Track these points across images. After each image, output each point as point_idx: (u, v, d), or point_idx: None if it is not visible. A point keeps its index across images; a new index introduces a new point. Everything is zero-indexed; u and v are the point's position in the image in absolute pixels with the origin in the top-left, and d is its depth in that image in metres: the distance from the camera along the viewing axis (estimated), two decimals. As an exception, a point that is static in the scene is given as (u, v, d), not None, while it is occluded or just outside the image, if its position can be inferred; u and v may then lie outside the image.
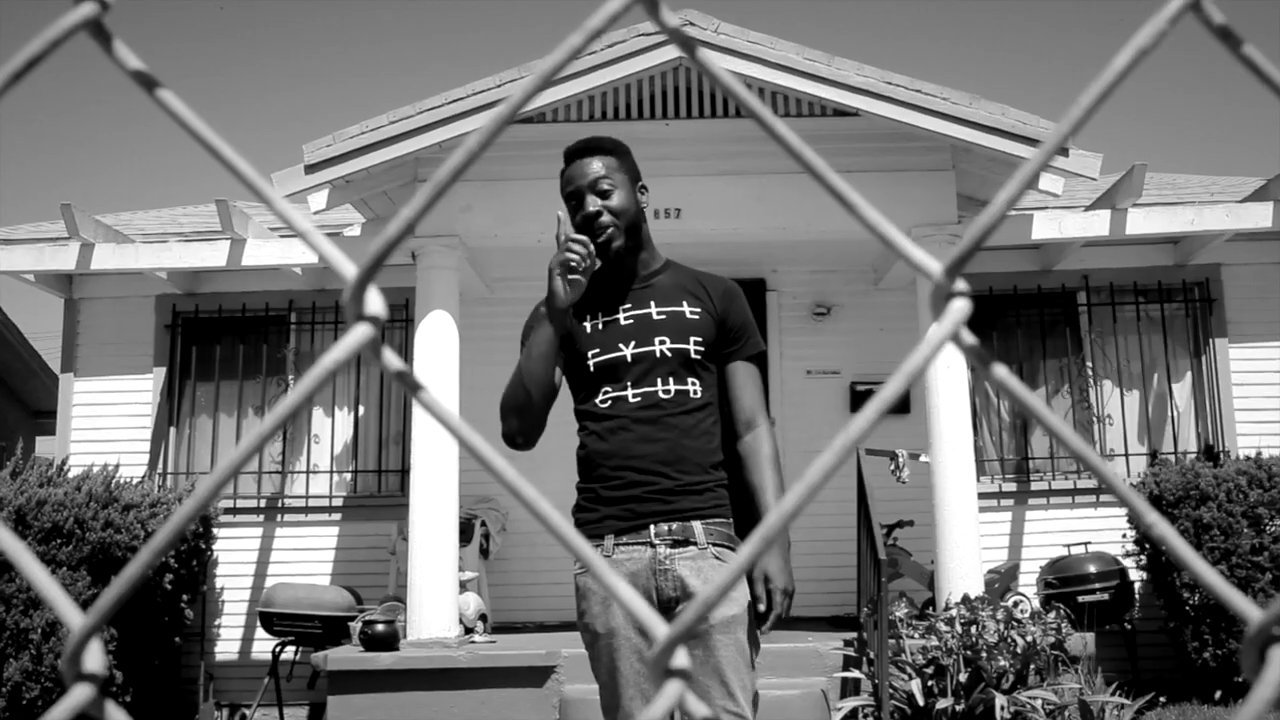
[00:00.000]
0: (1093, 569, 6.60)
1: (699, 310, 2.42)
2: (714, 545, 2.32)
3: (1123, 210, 6.77)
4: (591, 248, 2.23)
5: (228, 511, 7.50)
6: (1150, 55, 0.43)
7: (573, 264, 2.21)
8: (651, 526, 2.30)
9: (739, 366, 2.45)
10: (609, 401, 2.37)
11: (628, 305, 2.42)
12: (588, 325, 2.42)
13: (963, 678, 4.85)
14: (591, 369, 2.39)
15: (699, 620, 0.42)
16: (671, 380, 2.35)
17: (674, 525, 2.30)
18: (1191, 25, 0.45)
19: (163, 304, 7.84)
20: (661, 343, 2.36)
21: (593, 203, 2.39)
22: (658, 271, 2.49)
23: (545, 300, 2.29)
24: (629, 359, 2.36)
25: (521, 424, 2.36)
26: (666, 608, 2.30)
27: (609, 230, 2.38)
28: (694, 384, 2.38)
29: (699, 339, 2.39)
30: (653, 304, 2.41)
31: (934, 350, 0.43)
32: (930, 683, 4.92)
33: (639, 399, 2.34)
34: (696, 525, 2.31)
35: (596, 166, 2.41)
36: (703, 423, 2.38)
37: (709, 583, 2.28)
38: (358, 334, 0.43)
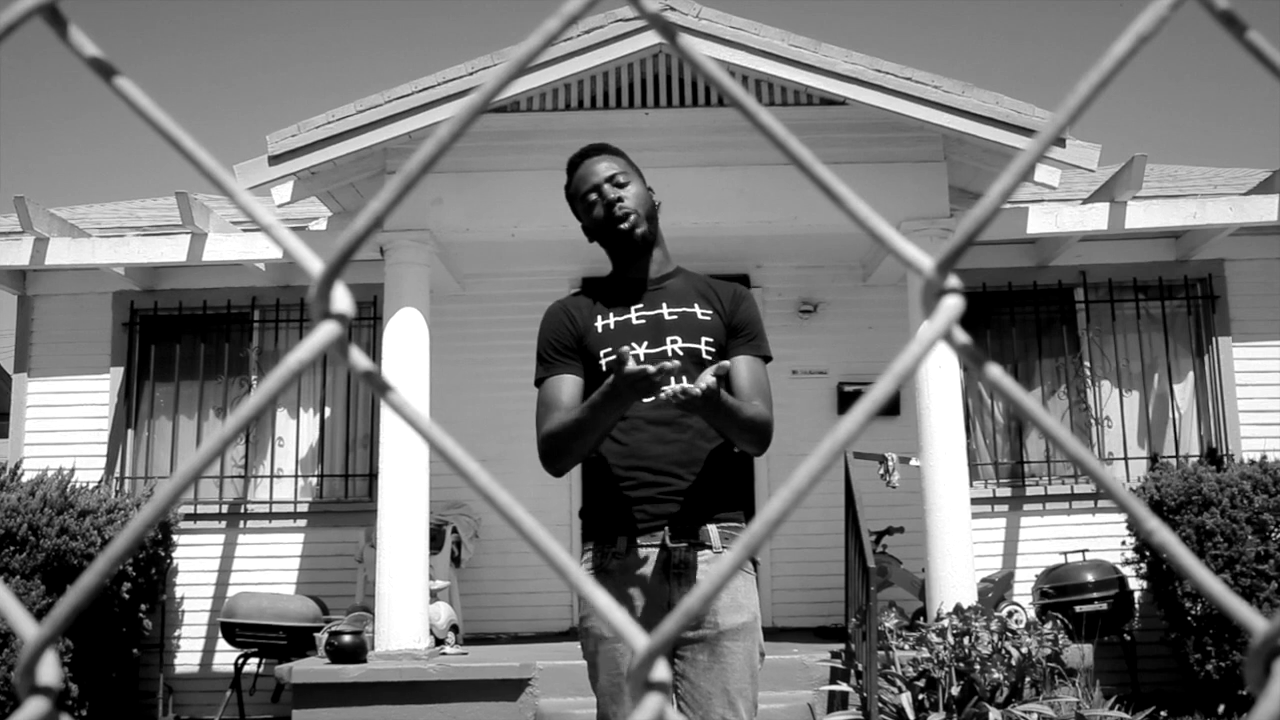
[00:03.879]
0: (1091, 578, 6.58)
1: (710, 312, 2.48)
2: (728, 549, 2.26)
3: (1122, 203, 6.75)
4: (677, 362, 2.16)
5: (188, 518, 7.44)
6: (1150, 41, 0.43)
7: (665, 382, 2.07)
8: (666, 528, 2.33)
9: (741, 359, 2.45)
10: None
11: (640, 305, 2.49)
12: (599, 324, 2.46)
13: (955, 691, 4.82)
14: (603, 368, 2.37)
15: (681, 630, 0.41)
16: (684, 380, 2.32)
17: (688, 528, 2.34)
18: (1194, 10, 0.44)
19: (120, 301, 7.78)
20: (673, 342, 2.42)
21: (612, 192, 2.48)
22: (670, 275, 2.56)
23: (630, 388, 2.14)
24: (640, 358, 2.37)
25: (563, 467, 2.37)
26: None
27: (633, 216, 2.46)
28: None
29: (710, 340, 2.44)
30: (664, 305, 2.48)
31: (925, 349, 0.43)
32: (921, 696, 4.90)
33: (652, 399, 2.31)
34: (711, 529, 2.36)
35: (607, 164, 2.53)
36: None
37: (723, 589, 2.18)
38: (324, 332, 0.44)
